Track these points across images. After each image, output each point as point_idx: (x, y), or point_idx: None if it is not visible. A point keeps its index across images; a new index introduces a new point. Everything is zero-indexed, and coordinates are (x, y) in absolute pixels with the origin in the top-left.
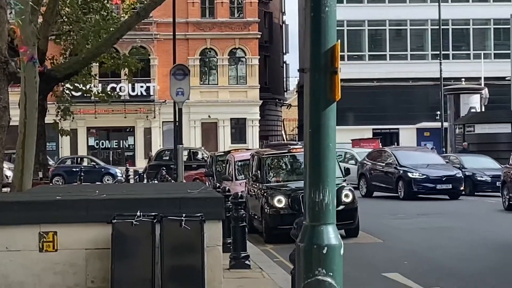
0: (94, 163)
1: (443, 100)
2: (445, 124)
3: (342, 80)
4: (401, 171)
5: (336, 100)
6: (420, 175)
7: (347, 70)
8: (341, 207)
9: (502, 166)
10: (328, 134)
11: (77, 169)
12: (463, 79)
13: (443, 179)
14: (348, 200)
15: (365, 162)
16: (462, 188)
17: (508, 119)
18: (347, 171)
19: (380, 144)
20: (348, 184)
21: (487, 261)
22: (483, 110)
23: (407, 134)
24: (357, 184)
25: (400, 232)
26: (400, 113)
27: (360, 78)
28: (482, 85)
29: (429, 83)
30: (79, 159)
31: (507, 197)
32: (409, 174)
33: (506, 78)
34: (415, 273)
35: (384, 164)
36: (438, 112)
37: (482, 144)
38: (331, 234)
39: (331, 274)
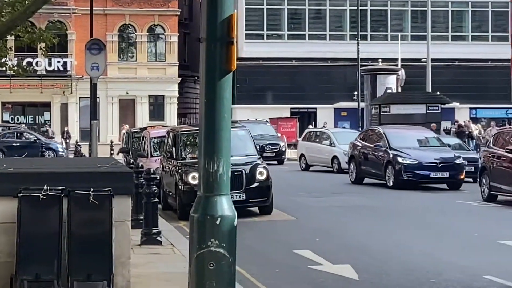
0: (35, 138)
1: (360, 81)
2: (362, 104)
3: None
4: (391, 155)
5: (232, 71)
6: (412, 160)
7: (266, 49)
8: (255, 184)
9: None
10: (223, 104)
11: (17, 144)
12: (380, 60)
13: (439, 165)
14: (262, 177)
15: (356, 143)
16: (462, 176)
17: (423, 100)
18: (262, 149)
19: (298, 123)
20: (263, 162)
21: (396, 237)
22: (399, 91)
23: (324, 113)
24: (347, 169)
25: (313, 210)
26: (318, 93)
27: (279, 57)
28: (399, 66)
29: (347, 64)
30: (19, 133)
31: (487, 185)
32: (399, 159)
33: (422, 60)
34: (326, 250)
35: (373, 146)
36: (356, 92)
37: (397, 125)
38: (225, 205)
39: (224, 245)
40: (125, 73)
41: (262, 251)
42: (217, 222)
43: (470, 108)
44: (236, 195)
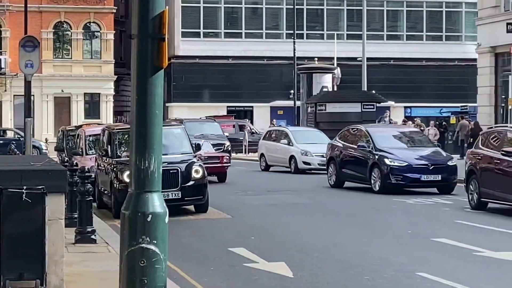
0: (19, 136)
1: (297, 79)
2: (298, 103)
3: (198, 57)
4: (376, 157)
5: (163, 68)
6: (400, 162)
7: (202, 47)
8: (191, 182)
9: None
10: (155, 101)
11: (2, 141)
12: (316, 59)
13: (430, 168)
14: (198, 176)
15: (335, 143)
16: (456, 180)
17: (358, 99)
18: (197, 147)
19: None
20: (198, 160)
21: (332, 236)
22: (335, 89)
23: (261, 112)
24: (325, 171)
25: (249, 208)
26: (255, 91)
27: (216, 56)
28: (335, 65)
29: (284, 62)
30: (1, 131)
31: (476, 191)
32: (386, 161)
33: (358, 59)
34: (261, 248)
35: (356, 147)
36: (292, 91)
37: (333, 123)
38: (156, 202)
39: (155, 242)
40: (60, 71)
41: (198, 249)
42: (148, 219)
43: (405, 107)
44: (172, 194)
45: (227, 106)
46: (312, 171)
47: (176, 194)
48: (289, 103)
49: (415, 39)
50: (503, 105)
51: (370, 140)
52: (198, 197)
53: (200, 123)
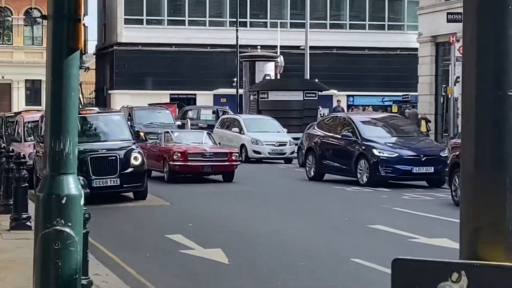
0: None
1: (239, 67)
2: (241, 91)
3: (140, 44)
4: (363, 147)
5: (79, 49)
6: (390, 153)
7: (145, 34)
8: (130, 169)
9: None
10: (70, 83)
11: None
12: (259, 47)
13: (422, 159)
14: (137, 163)
15: (313, 132)
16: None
17: (300, 87)
18: (137, 134)
19: (177, 109)
20: (137, 147)
21: (270, 223)
22: (278, 77)
23: (204, 99)
24: (303, 162)
25: (189, 196)
26: (198, 79)
27: (159, 43)
28: (278, 53)
29: (227, 50)
30: None
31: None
32: (375, 152)
33: (301, 47)
34: (198, 235)
35: (340, 136)
36: (235, 79)
37: (275, 111)
38: (71, 184)
39: (70, 224)
40: (0, 57)
41: (135, 236)
42: (63, 201)
43: (348, 96)
44: (110, 180)
45: (170, 94)
46: (263, 160)
47: (115, 181)
48: (232, 91)
49: (358, 28)
50: (443, 94)
51: (355, 129)
52: (137, 184)
53: (150, 111)
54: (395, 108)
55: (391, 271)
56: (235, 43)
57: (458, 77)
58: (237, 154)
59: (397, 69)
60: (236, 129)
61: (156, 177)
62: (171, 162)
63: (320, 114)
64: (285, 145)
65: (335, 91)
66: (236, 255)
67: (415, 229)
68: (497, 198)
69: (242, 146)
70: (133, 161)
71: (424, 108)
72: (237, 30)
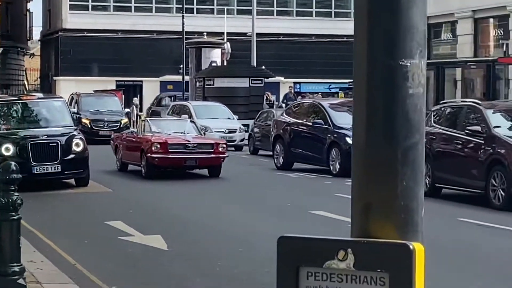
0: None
1: (186, 54)
2: (187, 78)
3: (86, 30)
4: (335, 135)
5: None
6: None
7: (91, 20)
8: (71, 156)
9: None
10: None
11: None
12: (205, 34)
13: None
14: (79, 149)
15: (281, 119)
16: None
17: (246, 74)
18: (78, 120)
19: (123, 95)
20: (79, 133)
21: (211, 210)
22: (225, 64)
23: (150, 86)
24: (271, 151)
25: (131, 183)
26: (144, 66)
27: (105, 29)
28: (225, 40)
29: (173, 37)
30: None
31: (427, 176)
32: (348, 140)
33: (248, 34)
34: (139, 221)
35: (310, 124)
36: (181, 66)
37: (221, 98)
38: None
39: None
40: None
41: (74, 223)
42: None
43: (294, 83)
44: (51, 167)
45: (116, 81)
46: None
47: (56, 167)
48: (179, 77)
49: (304, 15)
50: None
51: (326, 116)
52: (79, 171)
53: (97, 97)
54: (341, 95)
55: (277, 250)
56: (181, 30)
57: None
58: (224, 146)
59: (343, 56)
60: (186, 116)
61: (133, 172)
62: (149, 155)
63: (269, 101)
64: (235, 132)
65: (282, 78)
66: (175, 241)
67: None
68: (388, 173)
69: None
70: (74, 148)
71: None
72: (183, 16)
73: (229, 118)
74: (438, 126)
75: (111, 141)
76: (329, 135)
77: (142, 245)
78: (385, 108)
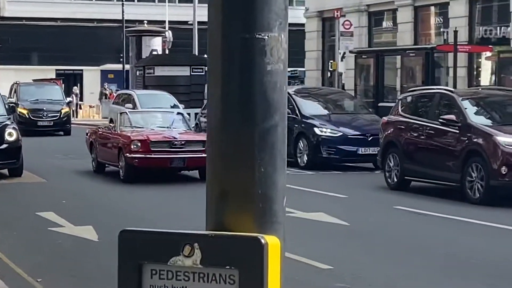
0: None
1: (126, 42)
2: (127, 66)
3: (25, 18)
4: (303, 125)
5: None
6: (333, 132)
7: (30, 8)
8: (4, 146)
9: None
10: None
11: None
12: (146, 22)
13: (369, 139)
14: (12, 138)
15: None
16: None
17: (187, 63)
18: (12, 109)
19: (63, 84)
20: (12, 123)
21: (144, 199)
22: (166, 53)
23: (91, 75)
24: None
25: (66, 173)
26: (85, 54)
27: (44, 17)
28: (166, 29)
29: (113, 25)
30: None
31: (395, 168)
32: (316, 131)
33: (189, 23)
34: (71, 212)
35: None
36: (122, 54)
37: (161, 87)
38: None
39: None
40: None
41: (4, 213)
42: None
43: None
44: None
45: (56, 69)
46: None
47: None
48: (119, 66)
49: None
50: (331, 69)
51: (294, 105)
52: (12, 161)
53: (37, 86)
54: None
55: (118, 245)
56: (121, 18)
57: (344, 53)
58: None
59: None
60: (130, 105)
61: (110, 173)
62: (128, 154)
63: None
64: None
65: None
66: (106, 232)
67: (293, 204)
68: (245, 158)
69: None
70: (7, 137)
71: (312, 83)
72: (123, 4)
73: (174, 107)
74: (406, 115)
75: (86, 137)
76: (296, 125)
77: (72, 236)
78: (241, 87)
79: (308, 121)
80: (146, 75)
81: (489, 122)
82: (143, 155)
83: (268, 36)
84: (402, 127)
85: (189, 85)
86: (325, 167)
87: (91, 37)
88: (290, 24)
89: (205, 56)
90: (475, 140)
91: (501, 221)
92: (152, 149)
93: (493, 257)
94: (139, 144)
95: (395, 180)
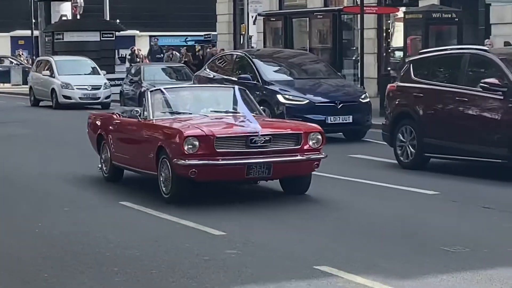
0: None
1: (35, 7)
2: (36, 33)
3: None
4: (265, 92)
5: None
6: (299, 99)
7: None
8: None
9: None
10: None
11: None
12: None
13: (339, 106)
14: None
15: (204, 74)
16: (369, 122)
17: (97, 28)
18: None
19: None
20: None
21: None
22: (78, 18)
23: (1, 42)
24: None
25: None
26: None
27: None
28: None
29: None
30: None
31: (409, 143)
32: (280, 98)
33: None
34: None
35: (235, 79)
36: (32, 20)
37: (71, 52)
38: None
39: None
40: None
41: None
42: None
43: (150, 36)
44: None
45: None
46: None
47: None
48: (30, 32)
49: None
50: (243, 33)
51: (254, 70)
52: None
53: None
54: (198, 48)
55: None
56: None
57: (256, 16)
58: (319, 137)
59: (199, 8)
60: (48, 72)
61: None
62: (178, 160)
63: (122, 55)
64: (99, 88)
65: (137, 32)
66: None
67: None
68: None
69: (53, 90)
70: None
71: (224, 47)
72: None
73: (94, 74)
74: (425, 81)
75: (89, 126)
76: (257, 92)
77: None
78: None
79: (271, 87)
80: (55, 41)
81: None
82: (205, 161)
83: None
84: (421, 94)
85: (99, 50)
86: None
87: (0, 2)
88: None
89: (117, 21)
90: None
91: None
92: (218, 150)
93: None
94: (196, 143)
95: (410, 157)
